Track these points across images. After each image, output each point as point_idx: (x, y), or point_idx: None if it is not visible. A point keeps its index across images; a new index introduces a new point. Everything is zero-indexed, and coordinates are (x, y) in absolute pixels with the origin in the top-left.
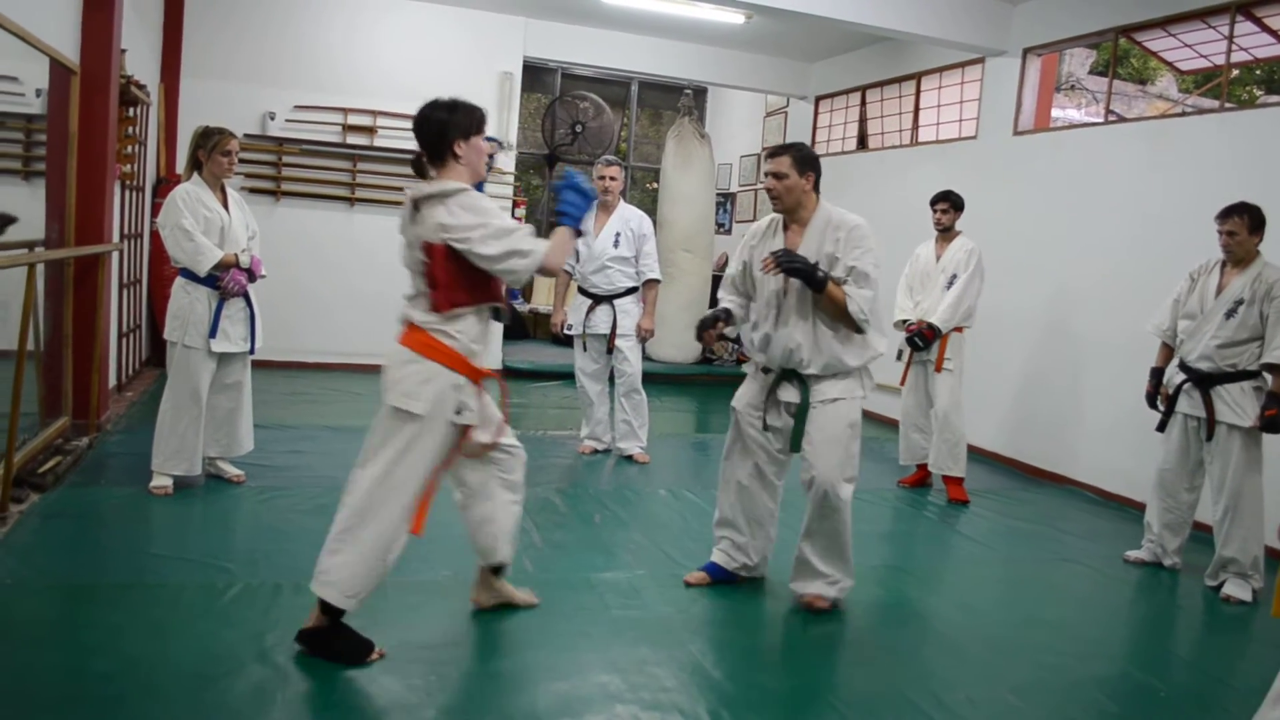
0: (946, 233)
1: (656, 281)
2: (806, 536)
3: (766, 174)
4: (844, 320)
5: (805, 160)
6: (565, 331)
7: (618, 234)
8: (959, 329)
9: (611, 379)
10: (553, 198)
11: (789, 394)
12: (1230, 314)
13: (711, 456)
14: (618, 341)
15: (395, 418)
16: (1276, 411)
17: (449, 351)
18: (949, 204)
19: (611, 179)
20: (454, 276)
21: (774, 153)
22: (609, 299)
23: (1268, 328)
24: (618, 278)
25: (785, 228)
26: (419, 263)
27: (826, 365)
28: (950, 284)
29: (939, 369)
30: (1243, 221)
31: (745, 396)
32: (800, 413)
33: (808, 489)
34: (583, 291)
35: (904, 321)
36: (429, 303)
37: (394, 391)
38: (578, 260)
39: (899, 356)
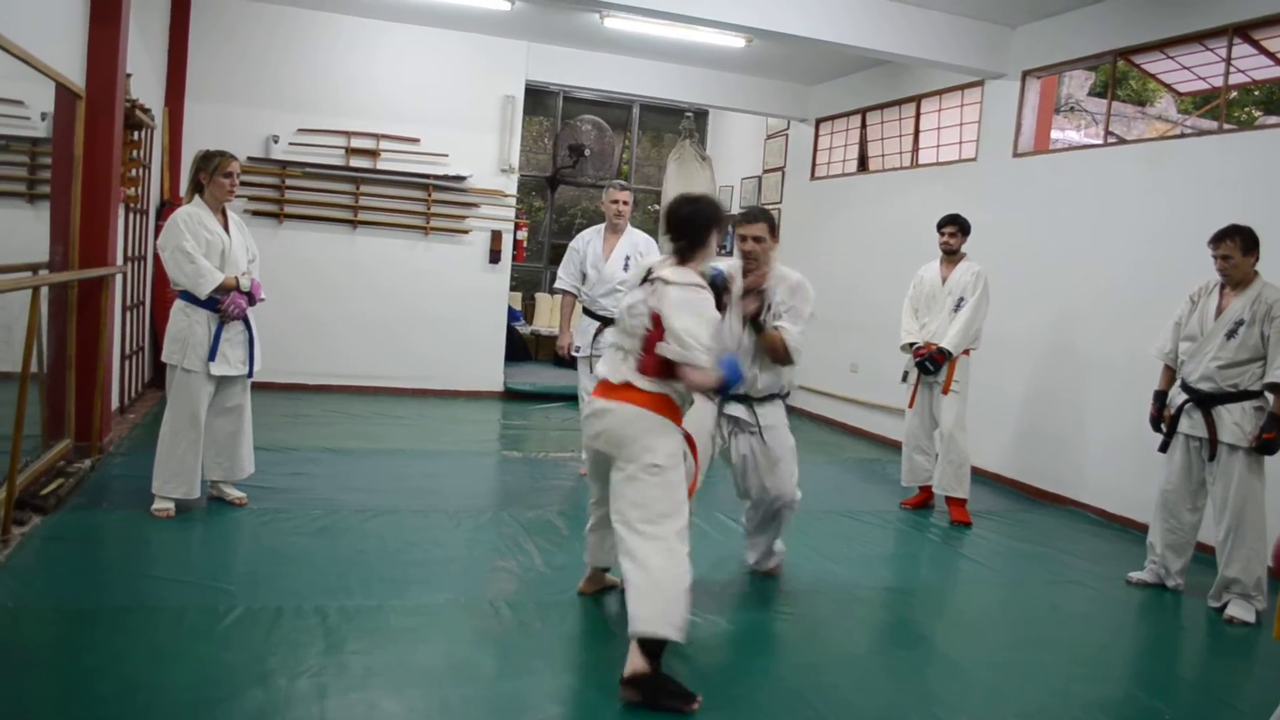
0: (953, 255)
1: None
2: (761, 532)
3: (744, 237)
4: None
5: (776, 227)
6: (573, 354)
7: (627, 257)
8: (966, 351)
9: None
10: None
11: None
12: (1231, 335)
13: (712, 476)
14: None
15: (651, 473)
16: (1275, 435)
17: (675, 408)
18: (956, 227)
19: (624, 203)
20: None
21: (751, 219)
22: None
23: (1269, 348)
24: None
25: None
26: (644, 330)
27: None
28: (957, 306)
29: (946, 391)
30: (1235, 244)
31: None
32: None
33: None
34: (589, 313)
35: (911, 345)
36: (639, 364)
37: (646, 450)
38: (584, 282)
39: (904, 378)
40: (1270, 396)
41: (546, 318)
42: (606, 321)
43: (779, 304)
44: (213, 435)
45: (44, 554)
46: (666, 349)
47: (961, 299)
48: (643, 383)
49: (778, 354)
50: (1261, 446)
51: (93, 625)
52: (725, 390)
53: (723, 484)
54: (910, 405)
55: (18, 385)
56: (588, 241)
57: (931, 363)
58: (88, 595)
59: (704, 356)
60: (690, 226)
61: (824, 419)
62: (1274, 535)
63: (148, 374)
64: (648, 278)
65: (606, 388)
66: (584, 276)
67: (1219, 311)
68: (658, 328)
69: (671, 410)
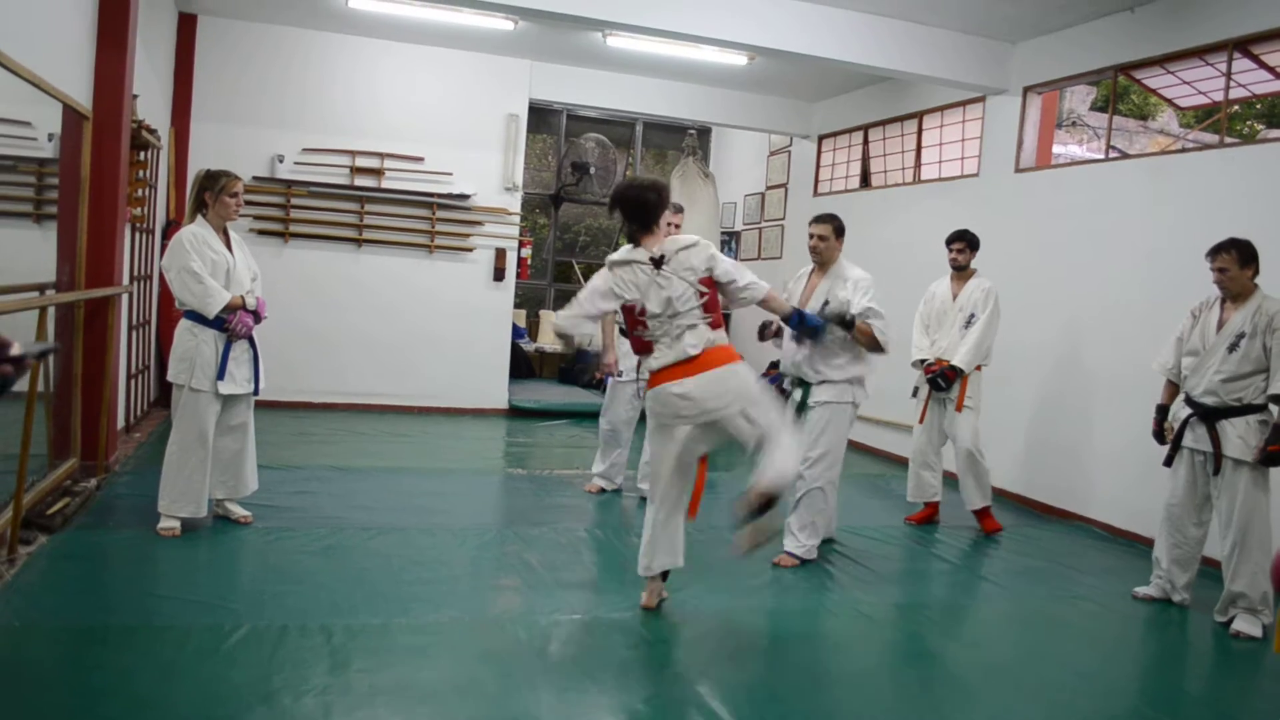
0: (962, 271)
1: None
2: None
3: (812, 235)
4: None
5: (841, 229)
6: (616, 378)
7: None
8: (978, 367)
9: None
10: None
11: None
12: (1232, 348)
13: (719, 493)
14: None
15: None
16: (1279, 447)
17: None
18: (965, 243)
19: (676, 227)
20: (717, 302)
21: (819, 220)
22: None
23: (1271, 360)
24: None
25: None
26: (695, 296)
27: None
28: (968, 323)
29: (960, 408)
30: (1232, 257)
31: None
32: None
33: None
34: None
35: (922, 361)
36: (708, 325)
37: (738, 397)
38: None
39: (914, 394)
40: (1274, 409)
41: (551, 335)
42: None
43: (843, 299)
44: (217, 454)
45: (50, 573)
46: (753, 293)
47: (972, 315)
48: (720, 338)
49: (873, 345)
50: (1266, 459)
51: (99, 644)
52: (801, 324)
53: (727, 499)
54: (920, 421)
55: (24, 405)
56: None
57: (943, 380)
58: (94, 614)
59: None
60: (644, 209)
61: None
62: (1278, 549)
63: (153, 393)
64: (658, 263)
65: (688, 364)
66: None
67: (1220, 325)
68: (712, 290)
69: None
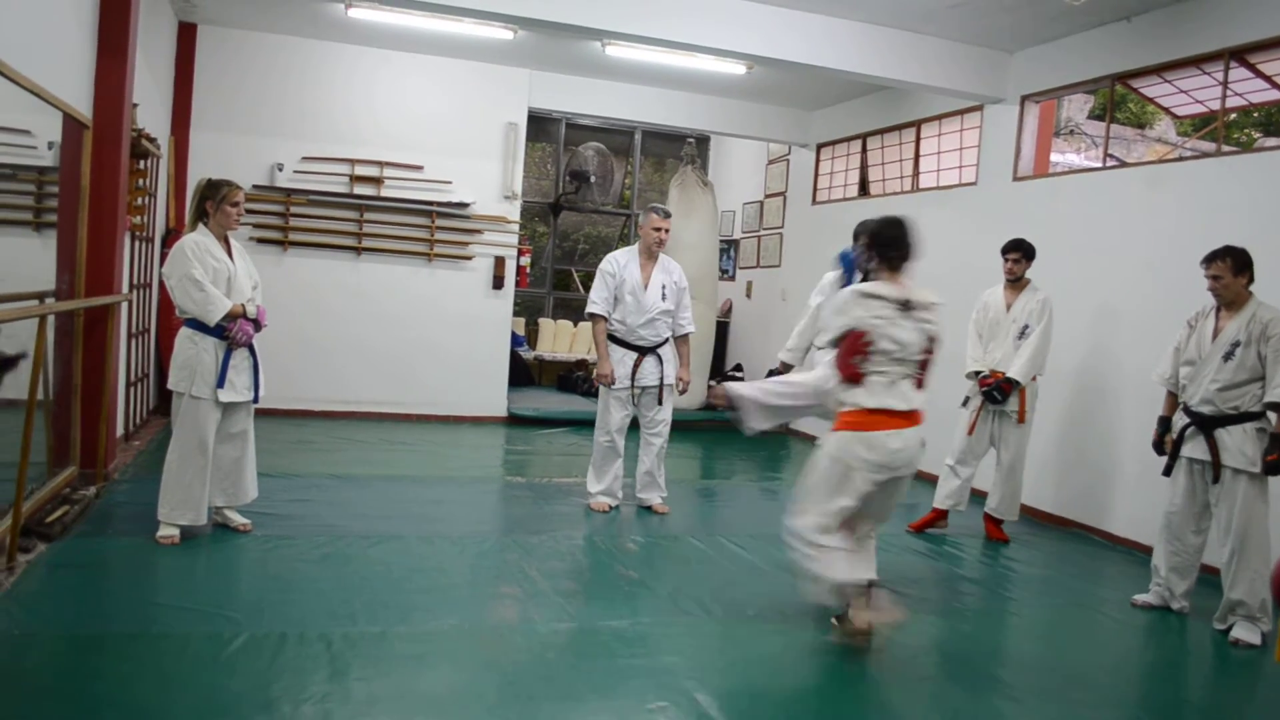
0: (1017, 282)
1: (691, 333)
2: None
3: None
4: None
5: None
6: (611, 386)
7: (663, 286)
8: (1034, 378)
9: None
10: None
11: None
12: (1228, 356)
13: (718, 503)
14: (665, 391)
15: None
16: (1278, 456)
17: None
18: (1020, 253)
19: (666, 231)
20: (928, 366)
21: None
22: (653, 350)
23: (1267, 367)
24: (663, 329)
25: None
26: (921, 351)
27: None
28: (1022, 334)
29: (1022, 420)
30: (1226, 265)
31: None
32: None
33: None
34: (623, 343)
35: (977, 373)
36: (915, 384)
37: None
38: (614, 309)
39: (964, 404)
40: (1272, 416)
41: (550, 343)
42: (645, 351)
43: None
44: (217, 461)
45: (49, 581)
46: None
47: (1026, 326)
48: (921, 400)
49: None
50: (1267, 468)
51: (98, 652)
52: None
53: (726, 508)
54: (970, 432)
55: (24, 413)
56: (624, 265)
57: (999, 392)
58: (93, 622)
59: None
60: (900, 249)
61: None
62: (1277, 558)
63: (153, 401)
64: (906, 307)
65: (904, 417)
66: (615, 302)
67: (1215, 334)
68: (928, 354)
69: None
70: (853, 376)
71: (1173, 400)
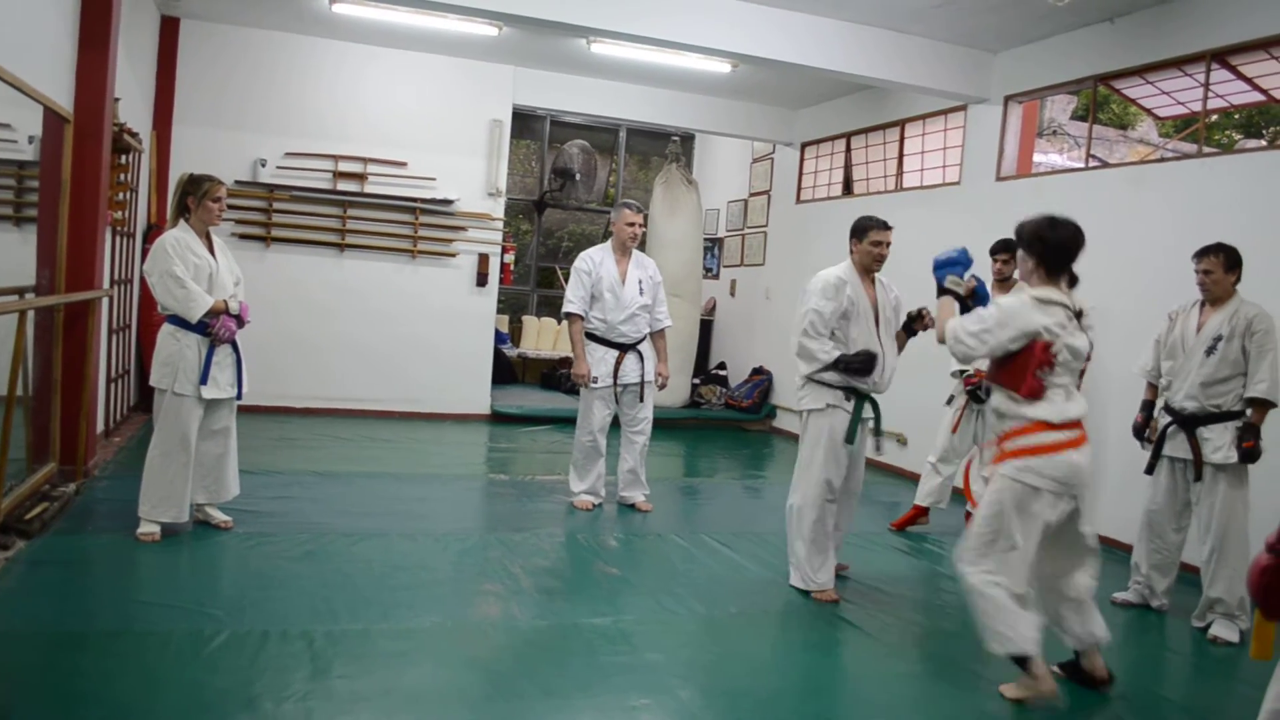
0: (1004, 282)
1: (668, 328)
2: None
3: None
4: None
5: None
6: (592, 385)
7: (640, 281)
8: None
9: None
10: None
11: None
12: (1210, 351)
13: (701, 501)
14: (646, 388)
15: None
16: (1254, 443)
17: None
18: (1010, 254)
19: (640, 226)
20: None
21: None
22: (633, 347)
23: (1249, 363)
24: (642, 325)
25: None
26: (1078, 363)
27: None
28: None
29: None
30: (1219, 260)
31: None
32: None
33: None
34: (604, 341)
35: (962, 372)
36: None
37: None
38: (591, 307)
39: (949, 401)
40: (1250, 410)
41: (533, 340)
42: (625, 348)
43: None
44: (199, 458)
45: (28, 579)
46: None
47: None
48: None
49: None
50: (1243, 455)
51: (79, 650)
52: None
53: (708, 506)
54: (954, 430)
55: (3, 408)
56: (599, 263)
57: (985, 392)
58: (73, 620)
59: None
60: (1067, 255)
61: None
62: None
63: (133, 397)
64: (1078, 315)
65: (1082, 431)
66: (591, 299)
67: (1199, 328)
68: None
69: None
70: (1037, 391)
71: (1153, 390)
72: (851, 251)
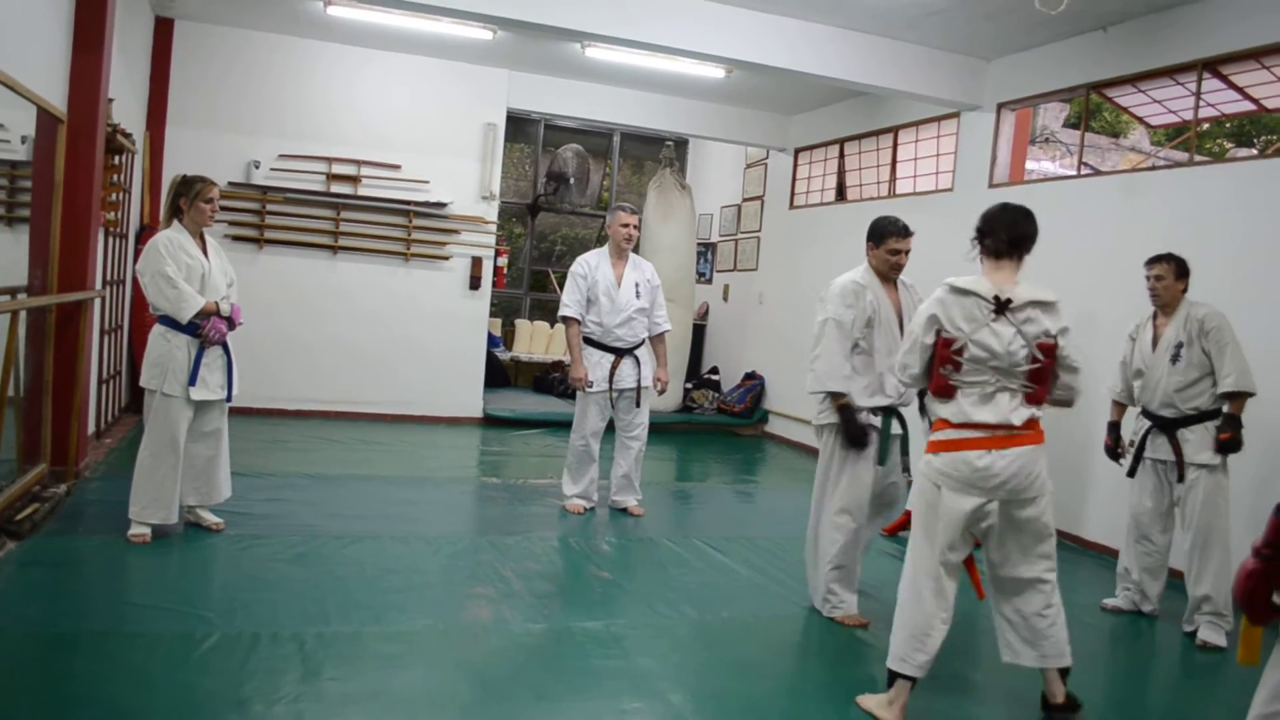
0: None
1: (667, 332)
2: None
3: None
4: None
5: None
6: (588, 390)
7: (636, 284)
8: None
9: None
10: None
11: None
12: (1175, 359)
13: (693, 506)
14: (642, 394)
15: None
16: (1231, 435)
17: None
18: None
19: (635, 228)
20: (1048, 376)
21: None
22: (630, 351)
23: (1213, 360)
24: (639, 329)
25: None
26: (1027, 359)
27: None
28: None
29: None
30: (1170, 267)
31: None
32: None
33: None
34: (600, 345)
35: None
36: (1029, 399)
37: (1043, 482)
38: (588, 311)
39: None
40: (1228, 405)
41: (526, 344)
42: (622, 353)
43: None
44: (190, 460)
45: (19, 580)
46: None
47: None
48: (1038, 415)
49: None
50: (1221, 447)
51: (69, 651)
52: None
53: (701, 511)
54: None
55: None
56: (594, 267)
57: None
58: (64, 621)
59: None
60: (1020, 239)
61: (801, 445)
62: (1237, 557)
63: (125, 398)
64: (1006, 306)
65: (1008, 433)
66: (588, 304)
67: (1155, 341)
68: (1048, 357)
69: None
70: (945, 391)
71: (1119, 407)
72: (868, 255)
